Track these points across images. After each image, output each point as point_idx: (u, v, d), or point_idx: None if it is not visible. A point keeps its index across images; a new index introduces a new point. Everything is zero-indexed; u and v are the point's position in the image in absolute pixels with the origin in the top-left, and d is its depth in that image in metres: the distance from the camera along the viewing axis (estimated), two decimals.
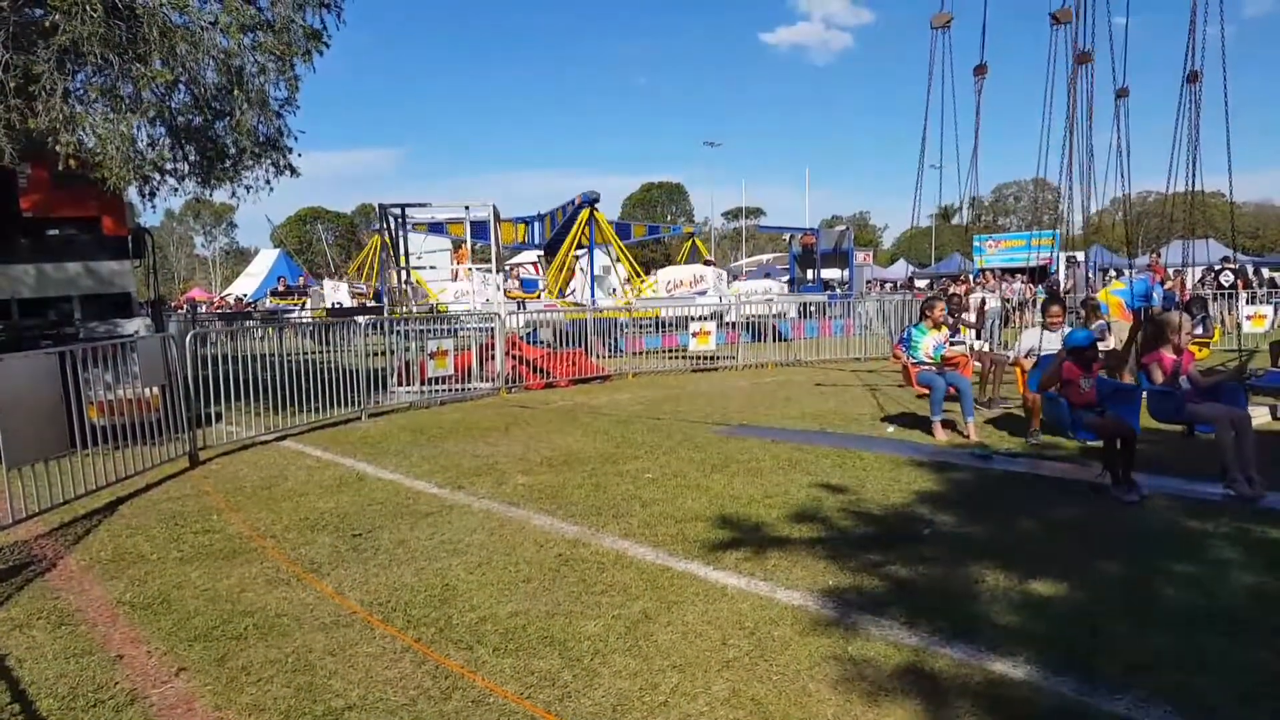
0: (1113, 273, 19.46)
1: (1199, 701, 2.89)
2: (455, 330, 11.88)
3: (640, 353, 15.19)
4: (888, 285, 35.29)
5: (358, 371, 9.61)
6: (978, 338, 11.18)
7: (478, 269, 18.96)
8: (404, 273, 14.94)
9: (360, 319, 12.18)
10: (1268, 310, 15.86)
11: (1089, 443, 6.32)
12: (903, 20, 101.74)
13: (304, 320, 19.17)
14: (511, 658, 3.38)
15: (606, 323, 15.11)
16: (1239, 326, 13.92)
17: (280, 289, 34.49)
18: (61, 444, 5.64)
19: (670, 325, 16.48)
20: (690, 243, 27.86)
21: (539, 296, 20.61)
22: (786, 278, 27.58)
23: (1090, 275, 16.93)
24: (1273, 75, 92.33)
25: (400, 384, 10.84)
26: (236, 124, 7.94)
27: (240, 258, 69.83)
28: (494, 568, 4.43)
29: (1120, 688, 2.98)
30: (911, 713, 2.88)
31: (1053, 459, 6.68)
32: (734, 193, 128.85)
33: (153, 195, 8.90)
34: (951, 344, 8.46)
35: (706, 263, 24.26)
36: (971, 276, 24.73)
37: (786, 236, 32.08)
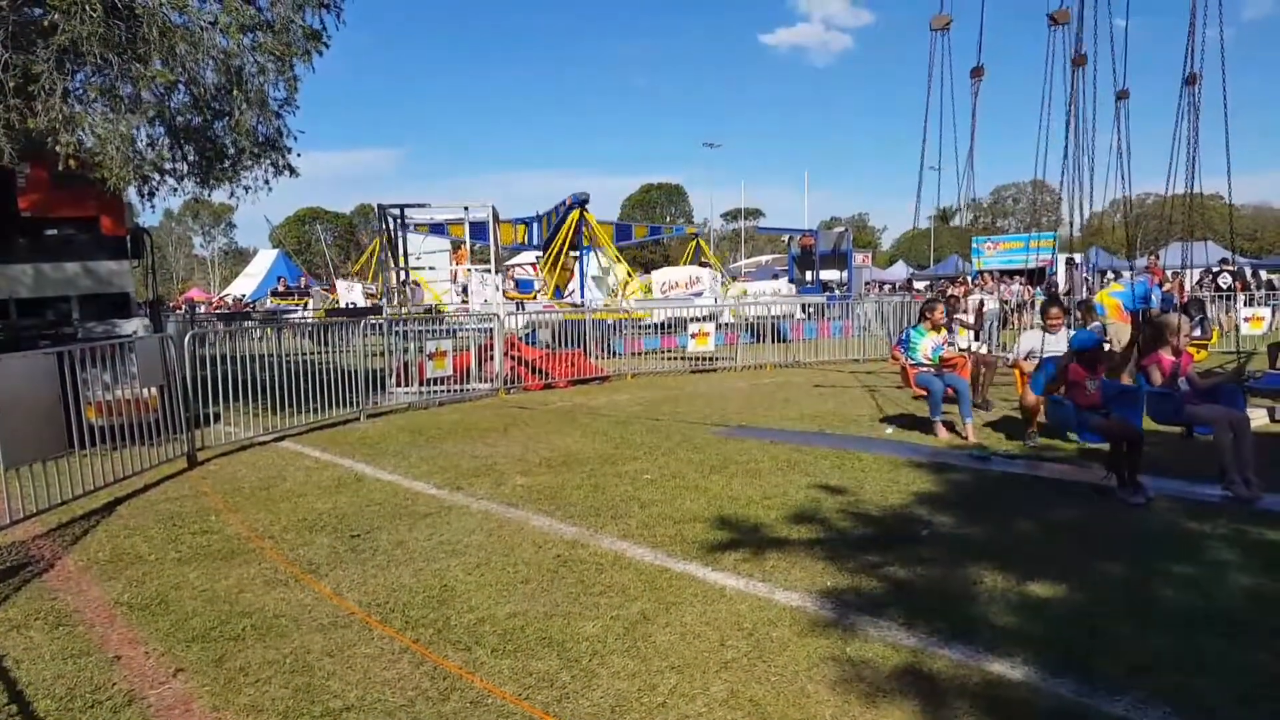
0: (1110, 275, 19.49)
1: (1198, 703, 2.89)
2: (454, 331, 11.87)
3: (639, 353, 15.19)
4: (886, 287, 35.32)
5: (356, 372, 9.61)
6: (975, 339, 11.17)
7: (476, 270, 18.95)
8: (403, 273, 14.93)
9: (362, 319, 12.15)
10: (1265, 312, 15.87)
11: (1091, 445, 6.32)
12: (902, 22, 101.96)
13: (305, 320, 19.14)
14: (510, 658, 3.38)
15: (602, 324, 15.09)
16: (1237, 328, 13.92)
17: (280, 289, 34.48)
18: (59, 444, 5.63)
19: (669, 327, 16.45)
20: (694, 244, 27.81)
21: (535, 297, 20.60)
22: (786, 279, 27.58)
23: (1088, 276, 16.93)
24: (1272, 77, 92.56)
25: (399, 385, 10.83)
26: (236, 124, 7.94)
27: (239, 258, 69.73)
28: (492, 569, 4.43)
29: (1119, 689, 2.98)
30: (910, 714, 2.89)
31: (1051, 460, 6.69)
32: (733, 194, 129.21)
33: (152, 195, 8.89)
34: (948, 345, 8.46)
35: (702, 264, 24.23)
36: (969, 278, 24.74)
37: (785, 238, 32.09)
